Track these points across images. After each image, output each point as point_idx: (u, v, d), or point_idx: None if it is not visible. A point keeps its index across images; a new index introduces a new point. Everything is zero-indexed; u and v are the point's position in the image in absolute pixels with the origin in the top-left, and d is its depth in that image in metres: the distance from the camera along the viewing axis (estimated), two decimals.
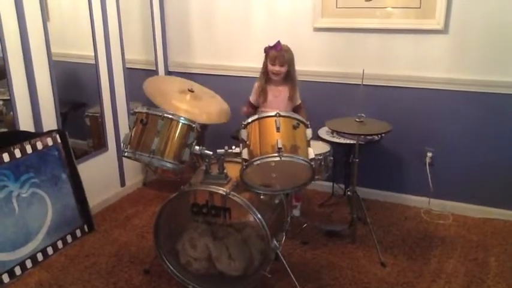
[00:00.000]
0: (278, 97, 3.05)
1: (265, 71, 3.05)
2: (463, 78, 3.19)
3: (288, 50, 3.00)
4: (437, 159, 3.41)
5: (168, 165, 2.37)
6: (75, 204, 3.09)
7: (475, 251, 2.95)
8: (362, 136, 2.97)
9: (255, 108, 3.10)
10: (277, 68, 2.97)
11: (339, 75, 3.48)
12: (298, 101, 3.12)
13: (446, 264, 2.82)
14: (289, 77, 3.05)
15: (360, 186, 3.07)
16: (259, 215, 2.33)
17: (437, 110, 3.31)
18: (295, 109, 3.08)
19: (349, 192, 2.98)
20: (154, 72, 3.92)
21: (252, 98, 3.10)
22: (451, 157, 3.37)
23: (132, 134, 2.40)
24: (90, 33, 3.24)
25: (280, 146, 2.14)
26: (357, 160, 2.85)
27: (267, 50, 2.99)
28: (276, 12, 3.57)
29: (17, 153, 2.75)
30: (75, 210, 3.09)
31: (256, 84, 3.10)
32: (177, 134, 2.37)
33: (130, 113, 2.45)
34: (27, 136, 2.84)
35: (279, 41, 2.96)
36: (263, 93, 3.06)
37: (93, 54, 3.29)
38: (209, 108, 2.57)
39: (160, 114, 2.35)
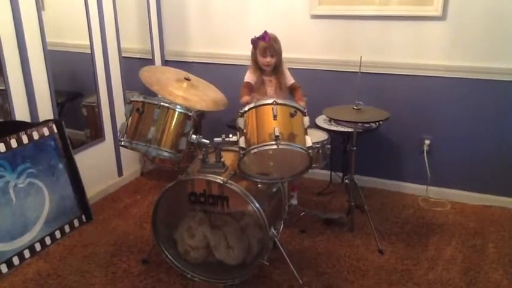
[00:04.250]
0: (271, 87, 3.02)
1: (256, 63, 2.98)
2: (461, 65, 3.17)
3: (276, 40, 2.93)
4: (435, 147, 3.41)
5: (165, 154, 2.36)
6: (72, 194, 3.08)
7: (473, 238, 2.96)
8: (359, 124, 2.97)
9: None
10: (268, 59, 2.91)
11: (337, 63, 3.46)
12: (292, 81, 3.02)
13: (444, 251, 2.83)
14: (276, 66, 2.97)
15: (357, 174, 3.07)
16: (257, 204, 2.32)
17: (435, 97, 3.31)
18: (292, 88, 3.02)
19: (346, 180, 2.98)
20: (151, 61, 3.89)
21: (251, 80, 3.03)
22: (449, 145, 3.36)
23: (129, 123, 2.38)
24: (86, 22, 3.21)
25: (277, 134, 2.13)
26: (355, 148, 2.85)
27: (255, 41, 2.93)
28: (273, 0, 3.54)
29: (13, 143, 2.74)
30: (73, 200, 3.09)
31: (250, 76, 3.02)
32: (173, 123, 2.36)
33: (127, 102, 2.43)
34: (24, 126, 2.83)
35: (266, 31, 2.91)
36: (263, 85, 3.01)
37: (88, 43, 3.26)
38: (207, 96, 2.55)
39: (157, 103, 2.33)
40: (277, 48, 2.92)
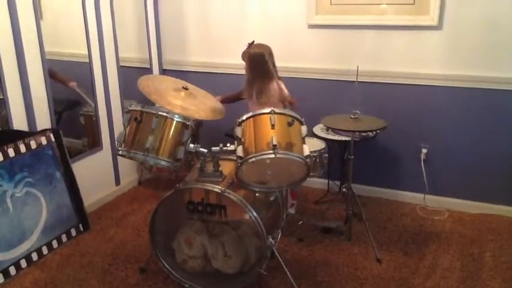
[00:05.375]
0: (252, 99, 3.03)
1: None
2: (457, 74, 3.19)
3: (258, 46, 2.95)
4: (433, 156, 3.42)
5: (163, 163, 2.36)
6: (70, 203, 3.08)
7: (471, 247, 2.96)
8: (357, 133, 2.97)
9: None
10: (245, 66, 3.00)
11: (334, 72, 3.48)
12: (287, 99, 2.95)
13: (441, 259, 2.83)
14: (259, 75, 2.94)
15: (355, 183, 3.08)
16: (254, 213, 2.33)
17: (432, 106, 3.32)
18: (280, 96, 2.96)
19: (344, 189, 2.98)
20: (149, 71, 3.90)
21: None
22: (446, 153, 3.37)
23: (127, 132, 2.39)
24: (84, 32, 3.22)
25: (275, 143, 2.13)
26: (352, 157, 2.85)
27: None
28: (270, 9, 3.57)
29: (11, 152, 2.73)
30: (70, 209, 3.08)
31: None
32: (171, 132, 2.37)
33: (125, 111, 2.44)
34: (21, 135, 2.83)
35: (253, 41, 2.96)
36: (248, 92, 3.05)
37: (86, 52, 3.27)
38: (204, 105, 2.56)
39: (155, 112, 2.34)
40: (249, 54, 2.93)
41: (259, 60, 2.93)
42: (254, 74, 2.97)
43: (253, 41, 2.95)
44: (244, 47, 3.02)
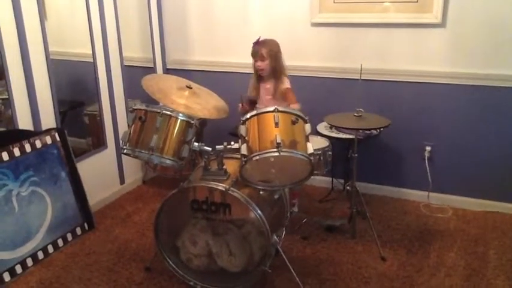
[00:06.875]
0: (268, 95, 3.05)
1: (254, 69, 3.05)
2: (461, 72, 3.19)
3: (266, 44, 2.95)
4: (436, 153, 3.42)
5: (168, 162, 2.37)
6: (75, 203, 3.09)
7: (475, 244, 2.96)
8: (360, 131, 2.98)
9: (254, 104, 3.08)
10: (258, 63, 2.96)
11: (337, 70, 3.48)
12: (285, 86, 3.00)
13: (446, 257, 2.83)
14: (273, 72, 3.01)
15: (359, 181, 3.08)
16: (259, 211, 2.33)
17: (436, 103, 3.32)
18: (284, 93, 3.00)
19: (348, 187, 2.99)
20: (153, 70, 3.92)
21: (250, 94, 3.09)
22: (450, 151, 3.37)
23: (131, 131, 2.40)
24: (88, 31, 3.24)
25: (279, 141, 2.13)
26: (356, 155, 2.86)
27: (252, 46, 2.99)
28: (273, 8, 3.57)
29: (16, 152, 2.75)
30: (75, 208, 3.09)
31: (250, 82, 3.10)
32: (175, 131, 2.38)
33: (129, 110, 2.45)
34: (26, 135, 2.84)
35: (259, 37, 2.96)
36: (256, 91, 3.07)
37: (91, 52, 3.28)
38: (209, 104, 2.57)
39: (159, 111, 2.35)
40: (267, 51, 2.93)
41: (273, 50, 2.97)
42: (276, 67, 2.99)
43: (260, 37, 2.96)
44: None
